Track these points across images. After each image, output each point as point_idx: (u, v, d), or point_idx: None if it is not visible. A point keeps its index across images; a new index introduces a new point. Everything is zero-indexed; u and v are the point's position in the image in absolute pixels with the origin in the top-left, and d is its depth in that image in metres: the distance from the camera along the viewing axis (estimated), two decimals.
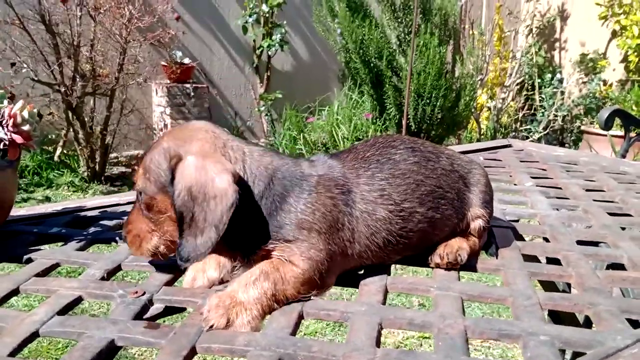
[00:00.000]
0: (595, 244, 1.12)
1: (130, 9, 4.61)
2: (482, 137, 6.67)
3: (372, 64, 5.24)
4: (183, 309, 0.82)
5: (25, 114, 0.91)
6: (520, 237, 1.13)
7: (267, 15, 5.77)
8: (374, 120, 5.55)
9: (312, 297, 0.83)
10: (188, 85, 5.49)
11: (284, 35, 5.80)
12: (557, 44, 7.84)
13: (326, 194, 0.87)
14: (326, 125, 5.62)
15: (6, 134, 0.88)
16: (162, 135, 0.89)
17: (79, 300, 0.83)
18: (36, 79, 4.41)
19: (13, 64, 4.44)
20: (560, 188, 1.44)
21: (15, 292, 0.85)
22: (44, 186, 4.70)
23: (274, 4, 5.65)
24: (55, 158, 4.76)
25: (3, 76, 4.59)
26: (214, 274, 0.86)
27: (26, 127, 0.90)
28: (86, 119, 4.71)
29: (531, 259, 1.07)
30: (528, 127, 6.89)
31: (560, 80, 7.07)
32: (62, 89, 4.44)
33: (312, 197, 0.85)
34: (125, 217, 0.92)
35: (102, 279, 0.89)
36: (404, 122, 4.40)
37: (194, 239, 0.79)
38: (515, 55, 6.89)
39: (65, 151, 4.82)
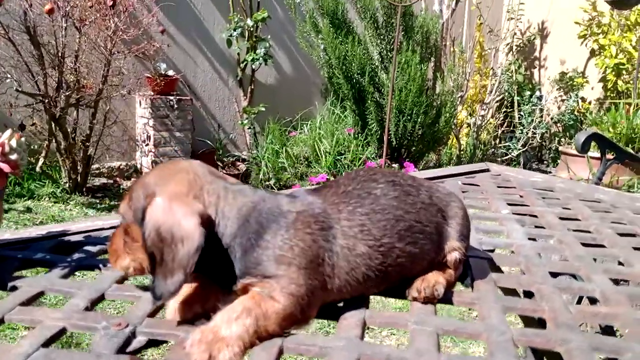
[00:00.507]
0: (570, 275, 1.16)
1: (115, 21, 4.63)
2: (462, 153, 6.76)
3: (354, 80, 5.31)
4: (165, 341, 0.84)
5: (14, 142, 0.94)
6: (496, 268, 1.16)
7: (251, 29, 5.82)
8: (356, 135, 5.60)
9: (293, 332, 0.85)
10: (172, 97, 5.51)
11: (268, 49, 5.85)
12: (537, 62, 7.99)
13: (305, 230, 0.88)
14: (308, 139, 5.66)
15: None
16: (154, 168, 0.93)
17: (63, 331, 0.86)
18: (20, 89, 4.40)
19: None
20: (536, 216, 1.48)
21: (0, 321, 0.87)
22: (25, 197, 4.68)
23: (259, 19, 5.70)
24: (37, 169, 4.75)
25: None
26: (197, 307, 0.88)
27: (14, 157, 0.93)
28: (69, 130, 4.71)
29: (509, 291, 1.11)
30: (507, 144, 7.00)
31: (540, 98, 7.20)
32: (46, 100, 4.44)
33: (289, 234, 0.87)
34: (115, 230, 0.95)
35: (86, 309, 0.92)
36: (385, 137, 4.46)
37: (164, 279, 0.82)
38: (495, 73, 7.01)
39: (47, 162, 4.81)
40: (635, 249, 1.27)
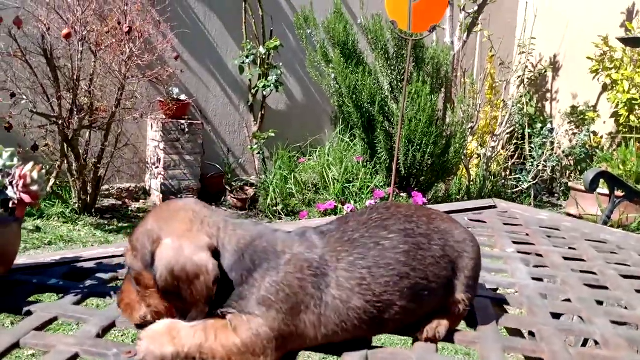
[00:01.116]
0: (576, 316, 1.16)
1: (131, 47, 4.71)
2: (472, 184, 6.76)
3: (364, 109, 5.36)
4: None
5: (35, 174, 0.97)
6: (501, 307, 1.16)
7: (263, 56, 5.90)
8: (365, 164, 5.63)
9: None
10: (183, 121, 5.57)
11: (280, 76, 5.92)
12: (548, 95, 8.01)
13: (295, 275, 0.86)
14: (317, 165, 5.69)
15: (15, 193, 0.94)
16: (148, 214, 0.93)
17: (75, 356, 0.88)
18: (35, 110, 4.47)
19: (13, 95, 4.51)
20: (541, 255, 1.48)
21: (16, 345, 0.89)
22: (35, 216, 4.72)
23: (271, 47, 5.79)
24: (48, 189, 4.79)
25: (2, 106, 4.66)
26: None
27: (34, 188, 0.96)
28: (81, 152, 4.77)
29: (514, 331, 1.11)
30: (517, 176, 7.00)
31: (551, 131, 7.21)
32: (60, 122, 4.51)
33: (279, 276, 0.85)
34: (122, 283, 0.97)
35: (98, 336, 0.93)
36: (394, 167, 4.47)
37: (183, 316, 0.86)
38: (506, 105, 7.04)
39: (57, 182, 4.86)
40: (638, 291, 1.26)
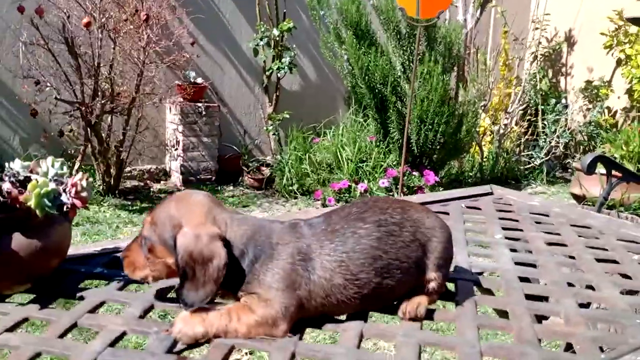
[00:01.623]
0: (543, 298, 1.30)
1: (148, 33, 4.85)
2: (484, 161, 6.86)
3: (376, 90, 5.46)
4: (203, 344, 1.03)
5: (84, 183, 1.14)
6: (486, 290, 1.31)
7: (277, 38, 6.01)
8: (378, 143, 5.75)
9: (267, 337, 1.03)
10: (200, 104, 5.73)
11: (293, 58, 6.03)
12: (563, 70, 8.01)
13: (287, 260, 1.06)
14: (331, 146, 5.83)
15: (68, 199, 1.11)
16: (170, 199, 1.12)
17: (123, 334, 1.05)
18: (59, 97, 4.64)
19: (37, 83, 4.69)
20: (527, 241, 1.61)
21: (74, 325, 1.07)
22: None
23: (285, 29, 5.89)
24: (74, 172, 4.99)
25: (28, 94, 4.85)
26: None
27: (84, 194, 1.13)
28: (104, 136, 4.95)
29: (501, 312, 1.26)
30: (530, 152, 7.07)
31: (565, 107, 7.24)
32: (83, 108, 4.68)
33: (273, 263, 1.06)
34: (128, 244, 1.16)
35: (140, 316, 1.10)
36: (404, 147, 4.60)
37: (196, 291, 1.03)
38: (520, 81, 7.08)
39: (82, 166, 5.05)
40: (607, 273, 1.40)
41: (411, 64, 5.45)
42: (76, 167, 4.98)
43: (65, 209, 1.13)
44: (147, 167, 5.93)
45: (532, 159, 7.00)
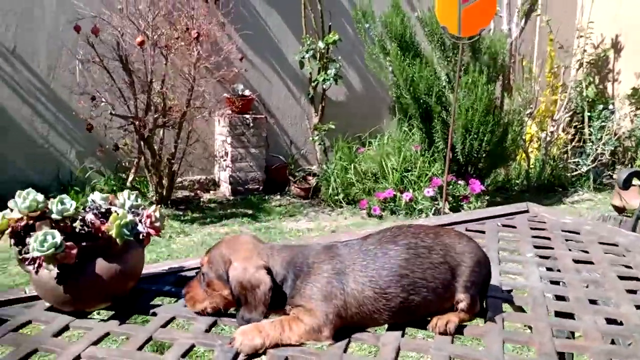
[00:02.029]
0: (568, 315, 1.39)
1: (198, 50, 5.03)
2: (531, 168, 6.82)
3: (421, 100, 5.51)
4: (262, 354, 1.15)
5: (157, 214, 1.27)
6: (518, 307, 1.41)
7: (322, 51, 6.12)
8: (423, 153, 5.80)
9: (312, 344, 1.17)
10: (248, 116, 5.89)
11: (339, 69, 6.14)
12: (610, 76, 7.89)
13: (322, 274, 1.23)
14: (376, 155, 5.90)
15: (144, 229, 1.25)
16: (221, 242, 1.30)
17: (192, 347, 1.17)
18: (113, 112, 4.86)
19: (93, 99, 4.93)
20: (556, 259, 1.69)
21: (149, 339, 1.20)
22: None
23: (330, 42, 6.00)
24: (128, 183, 5.21)
25: (84, 109, 5.09)
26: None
27: (157, 224, 1.26)
28: (156, 148, 5.14)
29: (529, 327, 1.34)
30: (577, 159, 6.99)
31: (612, 113, 7.13)
32: (136, 122, 4.89)
33: (311, 278, 1.23)
34: (189, 282, 1.32)
35: (206, 330, 1.23)
36: (447, 158, 4.64)
37: (250, 313, 1.21)
38: (565, 88, 7.02)
39: (136, 178, 5.26)
40: (629, 291, 1.46)
41: (456, 74, 5.49)
42: (130, 179, 5.20)
43: (140, 237, 1.26)
44: (197, 178, 6.12)
45: (579, 166, 6.91)
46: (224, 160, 5.95)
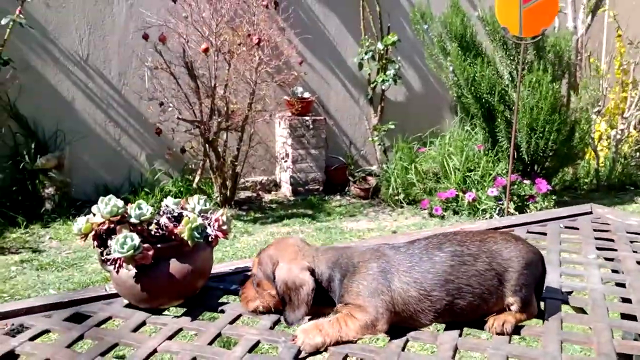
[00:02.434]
0: (631, 317, 1.37)
1: (260, 54, 5.14)
2: (601, 167, 6.61)
3: (483, 100, 5.44)
4: (323, 351, 1.21)
5: (225, 218, 1.35)
6: (578, 308, 1.42)
7: (381, 52, 6.14)
8: (486, 152, 5.72)
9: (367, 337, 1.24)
10: (307, 118, 5.97)
11: (398, 70, 6.14)
12: None
13: (367, 273, 1.28)
14: (438, 155, 5.86)
15: (212, 231, 1.33)
16: (271, 244, 1.38)
17: (258, 342, 1.24)
18: (180, 117, 5.04)
19: (161, 104, 5.12)
20: (619, 261, 1.66)
21: (219, 335, 1.28)
22: None
23: (389, 43, 6.01)
24: (194, 185, 5.39)
25: (153, 114, 5.30)
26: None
27: (225, 227, 1.34)
28: (220, 151, 5.29)
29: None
30: None
31: None
32: (201, 126, 5.05)
33: (357, 277, 1.28)
34: (245, 283, 1.40)
35: (271, 327, 1.30)
36: (510, 158, 4.58)
37: (293, 312, 1.28)
38: (636, 85, 6.77)
39: (202, 179, 5.43)
40: None
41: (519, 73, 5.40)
42: (196, 180, 5.37)
43: (209, 239, 1.34)
44: (259, 179, 6.25)
45: None
46: (285, 162, 6.05)
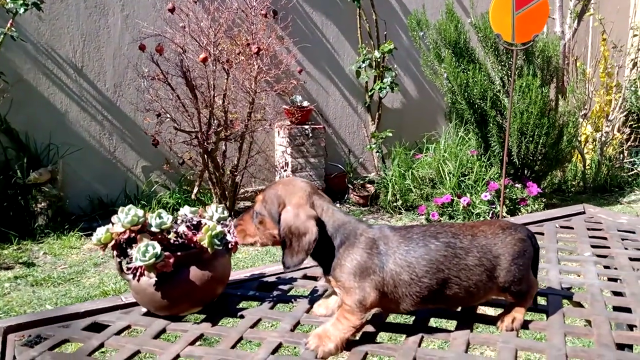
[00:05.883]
0: (624, 309, 1.48)
1: (259, 64, 5.22)
2: (587, 169, 6.74)
3: (476, 105, 5.56)
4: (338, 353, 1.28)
5: None
6: (576, 303, 1.52)
7: (378, 60, 6.26)
8: (479, 157, 5.84)
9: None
10: (307, 127, 6.06)
11: (395, 77, 6.26)
12: None
13: (365, 249, 1.28)
14: (433, 161, 5.97)
15: (231, 238, 1.41)
16: (278, 182, 1.37)
17: (280, 345, 1.31)
18: (178, 127, 5.08)
19: (158, 115, 5.15)
20: (613, 257, 1.78)
21: (240, 339, 1.34)
22: None
23: (386, 50, 6.13)
24: (192, 196, 5.44)
25: (150, 125, 5.34)
26: (327, 310, 1.37)
27: None
28: (219, 161, 5.36)
29: (588, 321, 1.44)
30: (632, 159, 6.88)
31: None
32: (200, 136, 5.11)
33: (353, 250, 1.28)
34: (241, 215, 1.43)
35: (291, 330, 1.37)
36: (504, 161, 4.68)
37: (291, 257, 1.28)
38: (620, 88, 6.92)
39: (201, 190, 5.49)
40: None
41: (510, 79, 5.52)
42: (195, 191, 5.43)
43: (229, 246, 1.42)
44: (258, 188, 6.32)
45: (635, 166, 6.80)
46: (285, 171, 6.14)
